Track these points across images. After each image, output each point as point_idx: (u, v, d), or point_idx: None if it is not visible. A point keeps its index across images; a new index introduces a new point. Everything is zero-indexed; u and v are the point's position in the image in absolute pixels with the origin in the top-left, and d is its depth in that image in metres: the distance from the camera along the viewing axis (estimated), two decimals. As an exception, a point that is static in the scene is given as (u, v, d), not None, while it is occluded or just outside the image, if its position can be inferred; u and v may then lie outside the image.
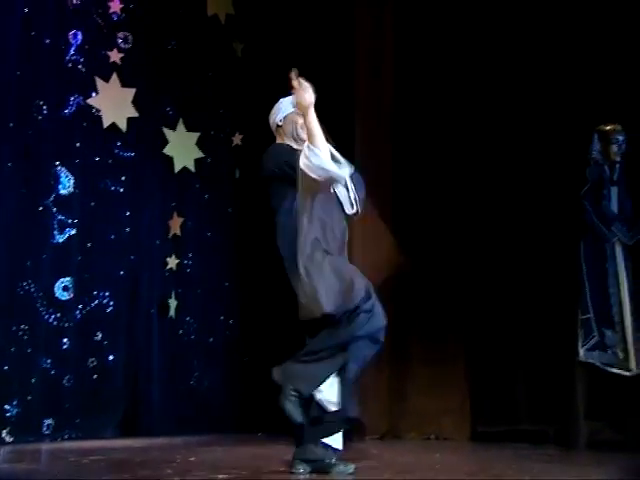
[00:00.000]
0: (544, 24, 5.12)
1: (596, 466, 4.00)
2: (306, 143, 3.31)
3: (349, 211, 3.46)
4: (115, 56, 5.39)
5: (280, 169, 3.37)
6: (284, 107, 3.55)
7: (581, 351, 4.75)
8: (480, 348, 5.20)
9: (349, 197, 3.42)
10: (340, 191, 3.43)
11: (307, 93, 3.30)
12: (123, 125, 5.39)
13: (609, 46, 4.91)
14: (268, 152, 3.49)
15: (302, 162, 3.25)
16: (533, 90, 5.11)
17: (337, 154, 3.31)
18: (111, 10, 5.41)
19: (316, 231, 3.32)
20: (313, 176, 3.25)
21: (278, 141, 3.57)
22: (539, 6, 5.14)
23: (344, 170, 3.30)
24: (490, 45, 5.28)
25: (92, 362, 5.10)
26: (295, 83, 3.32)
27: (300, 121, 3.46)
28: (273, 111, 3.59)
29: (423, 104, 5.45)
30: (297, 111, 3.43)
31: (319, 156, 3.23)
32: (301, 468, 3.29)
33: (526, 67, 5.15)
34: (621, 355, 4.68)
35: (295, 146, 3.46)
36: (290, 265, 3.39)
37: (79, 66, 5.25)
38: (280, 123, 3.54)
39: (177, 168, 5.71)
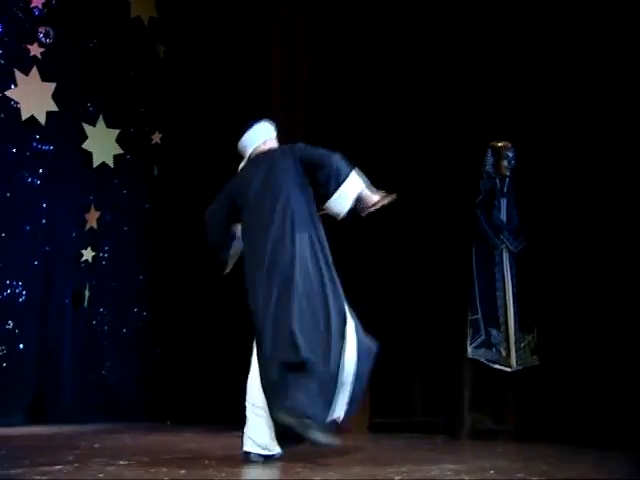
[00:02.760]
0: (444, 41, 5.40)
1: (470, 453, 4.37)
2: None
3: None
4: (35, 50, 5.46)
5: None
6: (259, 135, 3.73)
7: (469, 348, 5.10)
8: (380, 345, 5.50)
9: None
10: None
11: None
12: (42, 118, 5.47)
13: (505, 69, 5.29)
14: None
15: None
16: (436, 107, 5.41)
17: None
18: (32, 4, 5.48)
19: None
20: None
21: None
22: (438, 21, 5.43)
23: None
24: (396, 58, 5.56)
25: (2, 350, 5.17)
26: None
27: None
28: (248, 135, 3.76)
29: (336, 105, 5.67)
30: None
31: None
32: None
33: (430, 84, 5.46)
34: (504, 353, 5.07)
35: None
36: None
37: (-3, 58, 5.31)
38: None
39: (96, 163, 5.83)
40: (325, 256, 3.52)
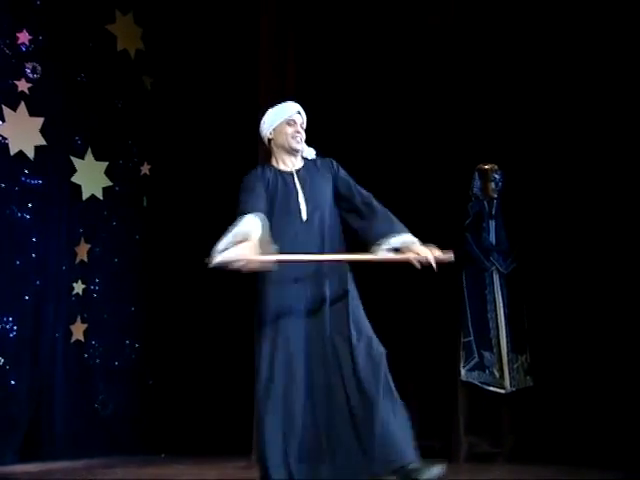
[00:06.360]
0: (433, 62, 5.48)
1: (467, 476, 4.36)
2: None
3: None
4: (23, 86, 5.46)
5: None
6: (271, 119, 3.48)
7: (462, 371, 5.10)
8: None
9: None
10: None
11: None
12: (30, 153, 5.48)
13: (490, 91, 5.36)
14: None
15: None
16: (422, 130, 5.49)
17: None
18: (19, 41, 5.50)
19: None
20: None
21: (272, 159, 3.49)
22: (426, 41, 5.51)
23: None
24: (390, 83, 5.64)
25: (-7, 387, 5.10)
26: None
27: (290, 130, 3.42)
28: (262, 125, 3.52)
29: (325, 133, 5.69)
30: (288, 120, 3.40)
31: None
32: None
33: (416, 107, 5.52)
34: (497, 374, 5.07)
35: (286, 159, 3.44)
36: None
37: (-15, 95, 5.32)
38: (271, 136, 3.47)
39: (85, 196, 5.83)
40: None
